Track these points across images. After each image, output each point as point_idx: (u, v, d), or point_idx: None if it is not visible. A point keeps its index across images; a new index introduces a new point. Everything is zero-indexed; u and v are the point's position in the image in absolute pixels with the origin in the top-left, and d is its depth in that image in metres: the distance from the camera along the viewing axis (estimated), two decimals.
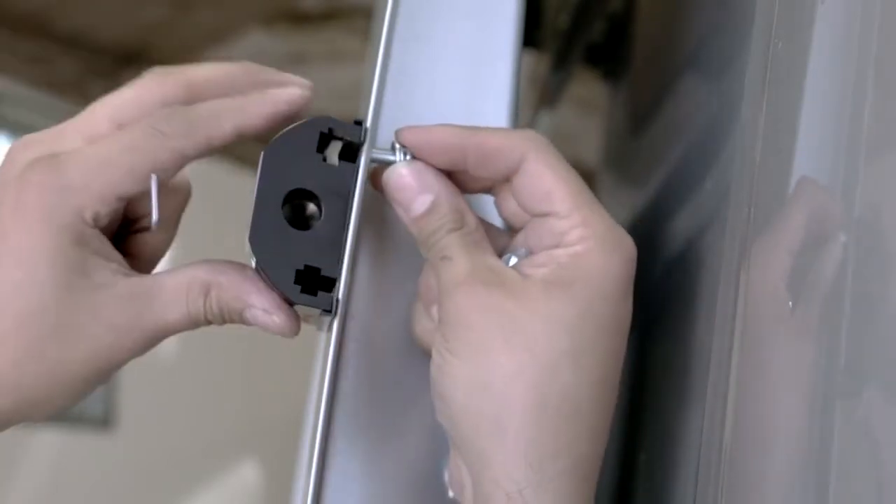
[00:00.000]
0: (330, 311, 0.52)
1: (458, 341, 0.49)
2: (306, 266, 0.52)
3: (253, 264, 0.52)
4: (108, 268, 0.52)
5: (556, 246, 0.50)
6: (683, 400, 0.55)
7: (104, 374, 0.53)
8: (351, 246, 0.52)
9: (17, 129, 3.32)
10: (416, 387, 0.57)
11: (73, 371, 0.52)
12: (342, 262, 0.52)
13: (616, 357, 0.50)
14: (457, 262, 0.51)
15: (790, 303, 0.44)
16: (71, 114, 0.55)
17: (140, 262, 0.55)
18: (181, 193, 0.56)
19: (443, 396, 0.50)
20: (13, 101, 3.22)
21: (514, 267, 0.51)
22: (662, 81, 0.74)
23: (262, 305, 0.53)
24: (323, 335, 0.57)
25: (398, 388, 0.55)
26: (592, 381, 0.49)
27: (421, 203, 0.52)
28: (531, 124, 1.27)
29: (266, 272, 0.52)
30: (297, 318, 0.53)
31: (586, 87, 1.15)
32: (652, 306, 0.63)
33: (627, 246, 0.51)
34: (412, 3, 0.57)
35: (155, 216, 0.52)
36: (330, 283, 0.52)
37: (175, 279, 0.53)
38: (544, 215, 0.51)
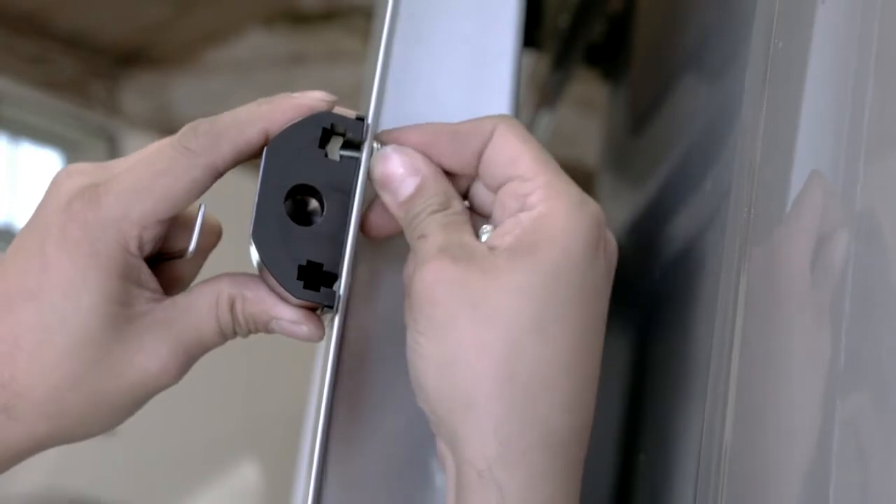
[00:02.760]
0: (332, 307, 0.52)
1: (424, 319, 0.49)
2: (308, 262, 0.52)
3: (255, 260, 0.53)
4: (145, 296, 0.53)
5: (521, 209, 0.50)
6: (683, 400, 0.55)
7: (146, 399, 0.54)
8: (352, 241, 0.53)
9: (17, 129, 3.32)
10: None
11: (115, 399, 0.53)
12: (344, 258, 0.52)
13: (591, 323, 0.50)
14: (430, 239, 0.51)
15: (811, 289, 0.43)
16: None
17: (168, 287, 0.56)
18: (214, 231, 0.56)
19: (417, 379, 0.50)
20: (13, 101, 3.22)
21: (484, 242, 0.51)
22: (662, 81, 0.74)
23: (289, 317, 0.53)
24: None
25: (400, 386, 0.55)
26: (563, 351, 0.49)
27: (408, 185, 0.52)
28: (531, 124, 1.27)
29: (269, 268, 0.52)
30: (322, 324, 0.54)
31: (586, 87, 1.15)
32: (652, 306, 0.63)
33: (592, 207, 0.50)
34: (413, 3, 0.57)
35: (193, 245, 0.54)
36: (332, 279, 0.52)
37: (203, 296, 0.54)
38: (509, 180, 0.51)
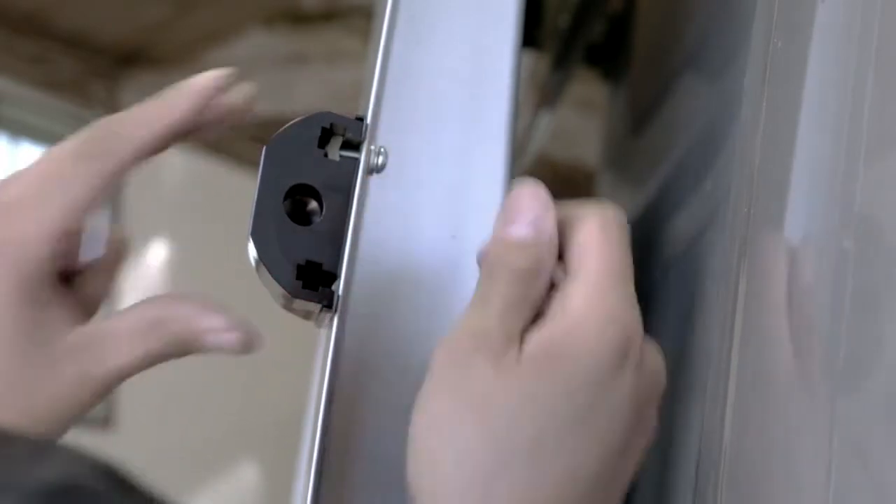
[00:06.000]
0: (330, 307, 0.53)
1: (431, 406, 0.46)
2: (307, 261, 0.52)
3: (253, 259, 0.53)
4: (58, 319, 0.51)
5: (561, 309, 0.46)
6: (683, 400, 0.55)
7: (68, 424, 0.52)
8: (352, 241, 0.53)
9: (17, 129, 3.32)
10: (415, 387, 0.57)
11: (36, 424, 0.50)
12: (343, 258, 0.52)
13: (594, 449, 0.45)
14: (487, 308, 0.46)
15: (811, 289, 0.43)
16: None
17: (84, 303, 0.53)
18: (119, 248, 0.54)
19: (416, 454, 0.47)
20: (13, 101, 3.22)
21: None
22: (662, 81, 0.74)
23: (213, 326, 0.51)
24: (323, 334, 0.57)
25: (398, 386, 0.55)
26: (549, 485, 0.44)
27: (526, 229, 0.47)
28: (531, 124, 1.27)
29: (267, 266, 0.52)
30: (253, 333, 0.52)
31: (586, 87, 1.15)
32: (652, 306, 0.63)
33: (621, 324, 0.46)
34: (413, 3, 0.57)
35: (81, 256, 0.52)
36: (331, 279, 0.52)
37: (126, 321, 0.51)
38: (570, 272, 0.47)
